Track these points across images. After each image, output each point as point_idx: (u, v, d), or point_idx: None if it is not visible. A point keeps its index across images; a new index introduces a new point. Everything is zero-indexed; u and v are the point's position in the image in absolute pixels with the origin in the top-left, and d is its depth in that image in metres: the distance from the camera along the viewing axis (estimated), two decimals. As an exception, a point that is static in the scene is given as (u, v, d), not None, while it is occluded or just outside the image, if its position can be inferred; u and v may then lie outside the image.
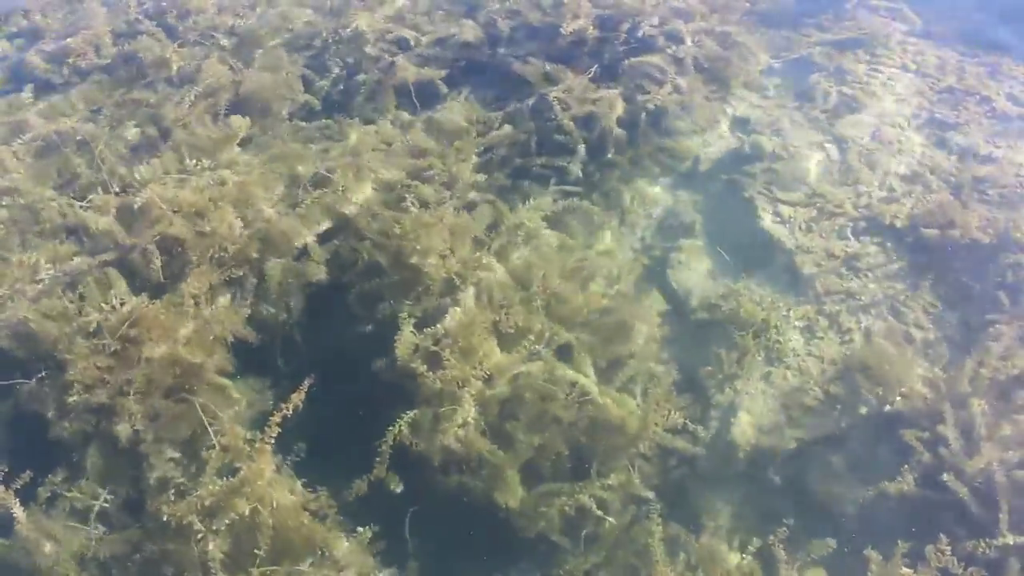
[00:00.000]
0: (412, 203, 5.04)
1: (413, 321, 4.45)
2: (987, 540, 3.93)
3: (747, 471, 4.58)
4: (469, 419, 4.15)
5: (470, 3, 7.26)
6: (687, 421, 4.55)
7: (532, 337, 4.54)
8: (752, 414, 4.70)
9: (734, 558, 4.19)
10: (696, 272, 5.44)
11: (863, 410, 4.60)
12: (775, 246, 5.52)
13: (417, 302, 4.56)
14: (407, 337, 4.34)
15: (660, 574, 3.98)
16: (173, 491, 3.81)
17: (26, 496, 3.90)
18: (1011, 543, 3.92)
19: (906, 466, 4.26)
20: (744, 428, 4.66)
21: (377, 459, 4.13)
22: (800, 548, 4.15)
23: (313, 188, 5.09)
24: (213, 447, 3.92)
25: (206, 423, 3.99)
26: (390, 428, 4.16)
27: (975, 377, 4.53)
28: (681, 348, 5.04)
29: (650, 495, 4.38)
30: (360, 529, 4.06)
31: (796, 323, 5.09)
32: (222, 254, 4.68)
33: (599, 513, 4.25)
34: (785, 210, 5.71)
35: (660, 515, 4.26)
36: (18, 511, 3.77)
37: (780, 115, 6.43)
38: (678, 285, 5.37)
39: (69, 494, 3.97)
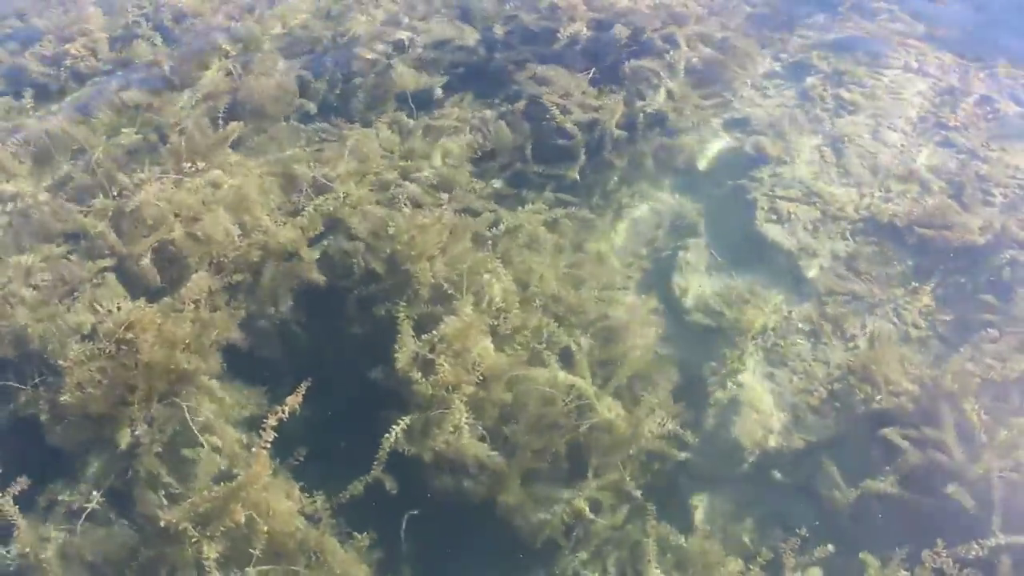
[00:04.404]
0: (406, 205, 5.03)
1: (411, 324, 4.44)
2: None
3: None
4: (462, 424, 4.13)
5: (467, 6, 7.25)
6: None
7: (528, 335, 4.52)
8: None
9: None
10: (698, 274, 5.43)
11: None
12: (776, 248, 5.51)
13: (411, 306, 4.55)
14: (407, 345, 4.32)
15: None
16: (164, 493, 3.79)
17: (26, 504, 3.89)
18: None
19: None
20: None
21: (375, 463, 4.12)
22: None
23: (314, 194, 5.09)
24: (204, 449, 3.90)
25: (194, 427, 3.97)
26: (386, 435, 4.15)
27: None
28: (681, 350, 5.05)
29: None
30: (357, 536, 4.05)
31: (799, 325, 5.09)
32: (222, 260, 4.69)
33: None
34: (785, 209, 5.70)
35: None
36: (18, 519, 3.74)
37: (780, 116, 6.42)
38: (679, 287, 5.36)
39: (69, 497, 3.94)
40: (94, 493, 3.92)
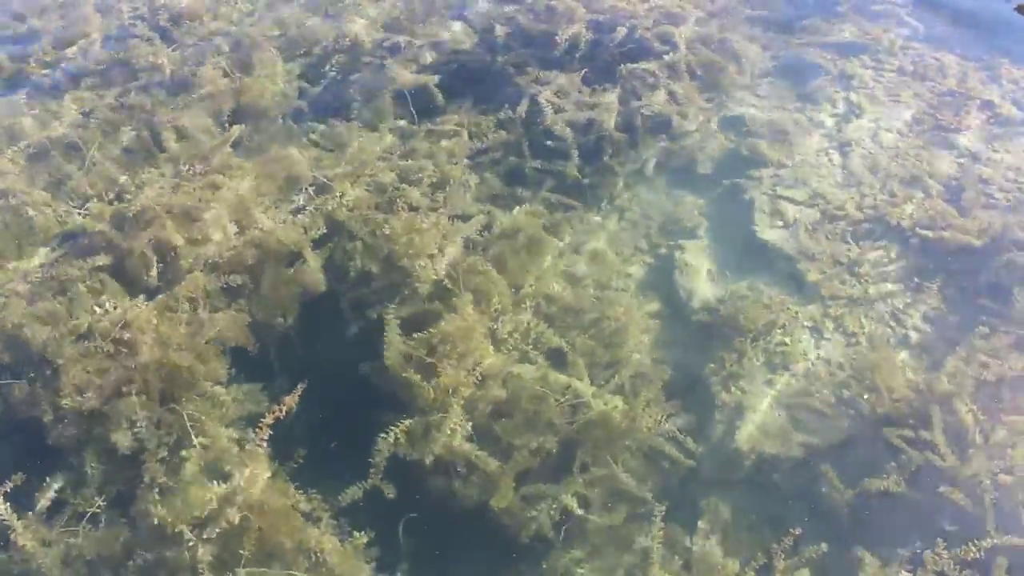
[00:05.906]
0: (403, 207, 5.02)
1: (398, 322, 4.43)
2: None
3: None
4: (458, 427, 4.11)
5: (465, 7, 7.25)
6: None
7: (519, 336, 4.52)
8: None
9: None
10: (697, 275, 5.42)
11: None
12: (775, 251, 5.50)
13: (403, 304, 4.54)
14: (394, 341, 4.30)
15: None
16: (158, 490, 3.78)
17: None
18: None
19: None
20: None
21: (372, 469, 4.11)
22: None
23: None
24: (193, 447, 3.89)
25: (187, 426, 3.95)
26: (383, 437, 4.13)
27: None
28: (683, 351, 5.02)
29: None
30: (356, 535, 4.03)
31: (804, 324, 5.07)
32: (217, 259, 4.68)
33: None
34: (786, 210, 5.68)
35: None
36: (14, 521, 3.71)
37: (779, 117, 6.41)
38: (680, 288, 5.35)
39: (73, 501, 3.92)
40: (96, 498, 3.90)
